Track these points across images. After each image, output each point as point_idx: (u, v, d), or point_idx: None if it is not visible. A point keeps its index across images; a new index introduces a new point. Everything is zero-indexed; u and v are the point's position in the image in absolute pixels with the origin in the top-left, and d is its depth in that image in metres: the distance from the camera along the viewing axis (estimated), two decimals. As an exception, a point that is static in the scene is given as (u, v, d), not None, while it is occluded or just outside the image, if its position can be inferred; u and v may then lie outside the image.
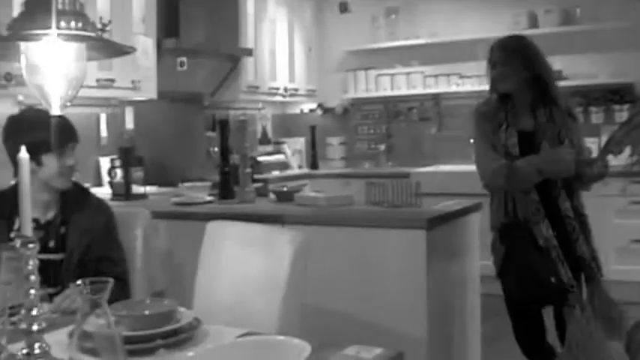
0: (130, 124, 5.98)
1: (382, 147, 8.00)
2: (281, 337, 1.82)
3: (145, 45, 5.30)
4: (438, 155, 7.73)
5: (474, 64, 7.33)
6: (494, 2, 7.40)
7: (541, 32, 7.03)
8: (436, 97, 7.73)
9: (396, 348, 1.97)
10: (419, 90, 7.72)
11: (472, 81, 7.39)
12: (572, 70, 7.03)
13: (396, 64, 7.87)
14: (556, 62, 7.04)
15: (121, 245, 3.03)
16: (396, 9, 7.87)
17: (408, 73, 7.77)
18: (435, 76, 7.64)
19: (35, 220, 2.84)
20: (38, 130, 2.80)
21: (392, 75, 7.84)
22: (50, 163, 2.85)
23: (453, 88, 7.53)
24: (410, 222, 3.59)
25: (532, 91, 3.64)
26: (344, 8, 7.95)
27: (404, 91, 7.77)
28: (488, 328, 4.56)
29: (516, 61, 3.69)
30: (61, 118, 2.84)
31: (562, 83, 7.02)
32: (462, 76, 7.48)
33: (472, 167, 6.92)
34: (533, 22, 7.17)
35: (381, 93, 7.89)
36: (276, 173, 7.22)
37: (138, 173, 5.07)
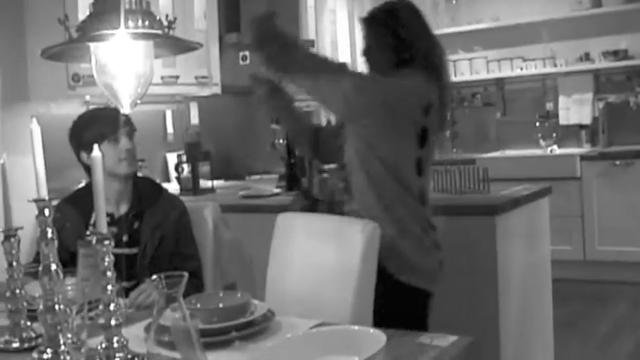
0: (195, 119, 6.03)
1: (447, 134, 7.95)
2: (356, 327, 1.82)
3: (208, 40, 5.32)
4: (502, 140, 7.65)
5: (538, 47, 7.27)
6: (557, -17, 7.29)
7: (605, 11, 6.92)
8: (500, 82, 7.66)
9: (470, 335, 1.96)
10: (482, 75, 7.65)
11: (536, 64, 7.30)
12: (638, 49, 6.90)
13: (458, 49, 7.80)
14: (622, 41, 6.96)
15: (194, 240, 3.07)
16: (457, -6, 7.81)
17: (470, 59, 7.70)
18: (498, 60, 7.55)
19: (109, 215, 2.91)
20: (95, 125, 2.93)
21: (454, 61, 7.77)
22: (108, 151, 2.91)
23: (517, 72, 7.45)
24: (479, 208, 3.56)
25: None
26: None
27: (467, 76, 7.70)
28: (560, 313, 4.51)
29: None
30: (113, 110, 2.92)
31: (628, 63, 6.91)
32: (525, 60, 7.39)
33: (538, 151, 6.90)
34: (597, 1, 7.03)
35: (445, 79, 7.83)
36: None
37: (205, 168, 5.10)
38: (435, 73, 2.92)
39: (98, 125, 2.95)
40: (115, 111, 2.86)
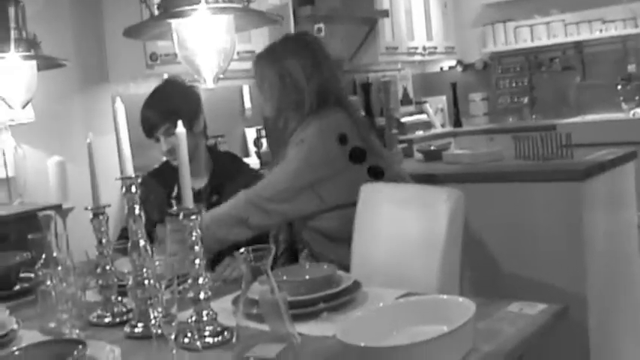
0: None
1: (525, 100, 7.81)
2: (445, 296, 1.81)
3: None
4: (583, 105, 7.49)
5: (618, 8, 7.06)
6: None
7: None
8: (579, 45, 7.47)
9: (559, 303, 1.92)
10: (560, 39, 7.47)
11: (616, 25, 7.09)
12: None
13: (534, 14, 7.64)
14: None
15: None
16: (532, -43, 7.65)
17: (547, 23, 7.53)
18: (577, 23, 7.36)
19: (190, 189, 2.94)
20: (147, 109, 3.01)
21: (531, 25, 7.61)
22: (162, 141, 3.01)
23: (597, 35, 7.25)
24: (564, 174, 3.49)
25: None
26: None
27: (544, 41, 7.52)
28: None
29: None
30: (151, 111, 2.95)
31: None
32: (604, 21, 7.18)
33: (620, 115, 6.73)
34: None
35: (521, 45, 7.68)
36: (419, 133, 7.16)
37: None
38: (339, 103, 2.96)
39: (142, 123, 3.03)
40: (154, 111, 2.93)
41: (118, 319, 2.14)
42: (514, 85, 7.88)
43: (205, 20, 1.86)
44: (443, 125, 7.89)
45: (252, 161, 5.07)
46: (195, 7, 1.79)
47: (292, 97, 2.92)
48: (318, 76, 2.91)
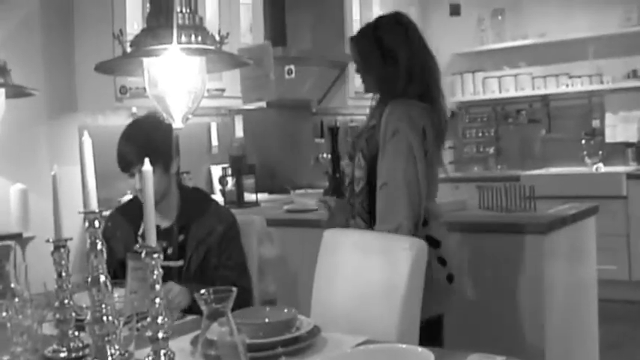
0: (239, 132, 6.06)
1: (491, 150, 7.91)
2: (404, 346, 1.81)
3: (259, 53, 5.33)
4: (547, 158, 7.59)
5: (584, 63, 7.19)
6: (604, -1, 7.23)
7: (655, 28, 6.85)
8: (545, 99, 7.59)
9: (516, 355, 1.93)
10: (527, 91, 7.59)
11: (582, 80, 7.23)
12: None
13: (503, 65, 7.77)
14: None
15: (243, 253, 3.06)
16: (502, 10, 7.77)
17: (516, 75, 7.65)
18: (544, 76, 7.49)
19: (156, 227, 2.90)
20: (117, 156, 2.94)
21: (499, 77, 7.74)
22: (137, 178, 2.90)
23: (563, 89, 7.38)
24: (527, 227, 3.53)
25: None
26: (455, 11, 7.68)
27: (512, 93, 7.65)
28: (606, 334, 4.46)
29: None
30: (129, 146, 2.91)
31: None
32: (571, 76, 7.32)
33: (583, 169, 6.82)
34: (647, 18, 6.96)
35: (489, 95, 7.80)
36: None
37: (249, 181, 5.13)
38: (427, 95, 3.01)
39: (118, 157, 2.96)
40: (133, 147, 2.89)
41: (74, 355, 2.11)
42: (480, 134, 7.97)
43: (177, 60, 1.87)
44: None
45: (217, 199, 5.06)
46: (167, 46, 1.80)
47: (389, 69, 2.98)
48: (410, 54, 2.98)
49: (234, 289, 1.60)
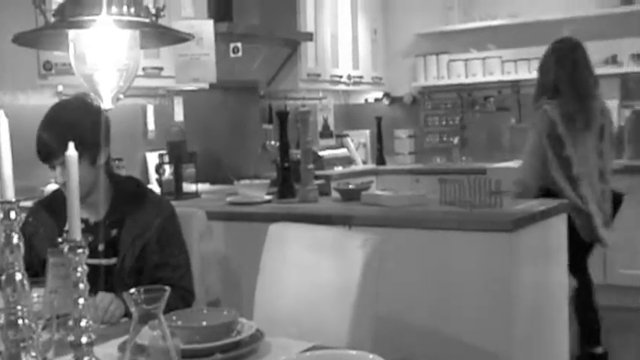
0: (179, 115, 6.03)
1: (455, 140, 7.95)
2: (353, 352, 1.81)
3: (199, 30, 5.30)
4: (517, 149, 7.59)
5: (560, 47, 7.24)
6: (582, -25, 7.29)
7: (636, 9, 6.92)
8: (516, 85, 7.64)
9: (482, 355, 1.95)
10: (496, 77, 7.63)
11: (557, 66, 7.28)
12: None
13: (470, 48, 7.80)
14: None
15: (185, 248, 3.01)
16: (470, -13, 7.82)
17: (484, 58, 7.68)
18: (515, 60, 7.53)
19: (84, 221, 2.86)
20: (37, 144, 2.84)
21: (466, 60, 7.77)
22: (59, 172, 2.83)
23: (535, 75, 7.40)
24: (492, 224, 3.55)
25: None
26: None
27: (479, 78, 7.67)
28: (576, 335, 4.53)
29: None
30: (50, 134, 2.82)
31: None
32: (545, 61, 7.36)
33: (557, 162, 6.83)
34: (628, -1, 7.05)
35: (454, 80, 7.83)
36: (339, 169, 7.21)
37: (189, 170, 5.09)
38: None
39: (37, 145, 2.84)
40: (54, 136, 2.78)
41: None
42: (444, 123, 8.00)
43: (107, 34, 1.84)
44: (365, 162, 7.96)
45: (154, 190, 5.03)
46: (95, 17, 1.77)
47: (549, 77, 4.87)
48: (561, 72, 4.80)
49: (168, 288, 1.59)
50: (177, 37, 2.03)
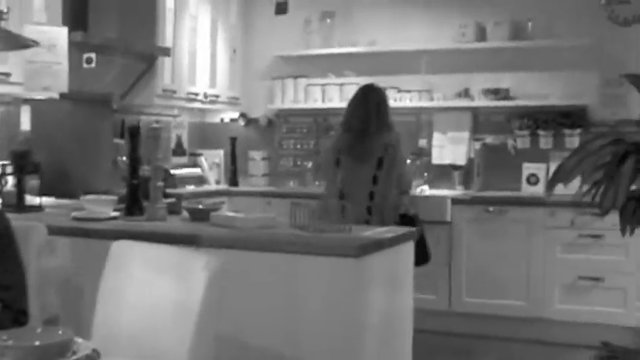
0: (25, 125, 5.87)
1: (309, 164, 8.00)
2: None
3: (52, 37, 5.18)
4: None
5: (415, 78, 7.42)
6: (440, 11, 7.49)
7: (489, 46, 7.16)
8: (370, 112, 7.73)
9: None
10: (353, 103, 7.71)
11: (412, 96, 7.45)
12: (520, 89, 7.17)
13: (329, 73, 7.88)
14: (504, 80, 7.20)
15: (19, 264, 2.84)
16: (332, 13, 7.89)
17: (341, 84, 7.75)
18: (372, 88, 7.64)
19: None
20: None
21: (324, 85, 7.85)
22: None
23: (391, 104, 7.52)
24: (338, 249, 3.59)
25: None
26: (281, 9, 7.35)
27: (336, 103, 7.69)
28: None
29: None
30: None
31: (509, 103, 7.15)
32: (400, 90, 7.50)
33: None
34: (481, 35, 7.26)
35: (311, 105, 7.90)
36: (190, 188, 7.18)
37: (33, 182, 4.97)
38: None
39: None
40: None
41: None
42: (299, 147, 8.06)
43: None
44: (218, 182, 7.95)
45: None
46: None
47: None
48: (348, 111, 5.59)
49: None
50: (22, 43, 1.98)
